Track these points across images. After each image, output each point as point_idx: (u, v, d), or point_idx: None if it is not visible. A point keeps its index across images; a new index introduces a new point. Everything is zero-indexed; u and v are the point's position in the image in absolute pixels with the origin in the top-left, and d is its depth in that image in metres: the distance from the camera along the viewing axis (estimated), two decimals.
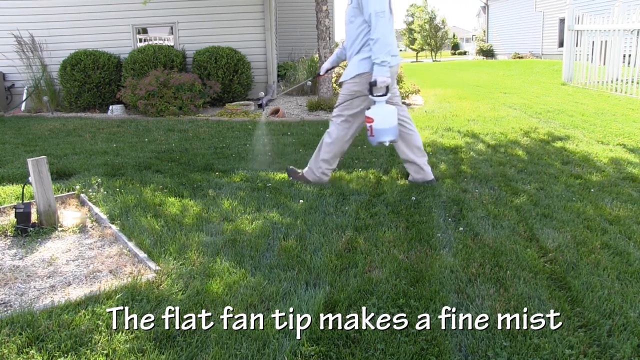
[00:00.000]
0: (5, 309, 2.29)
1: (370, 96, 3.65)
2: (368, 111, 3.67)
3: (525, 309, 2.23)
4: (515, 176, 4.32)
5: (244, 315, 2.18)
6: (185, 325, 2.11)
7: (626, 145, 5.44)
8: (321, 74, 4.44)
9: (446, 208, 3.54)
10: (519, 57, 24.63)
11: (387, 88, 3.62)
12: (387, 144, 3.70)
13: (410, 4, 47.77)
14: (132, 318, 2.15)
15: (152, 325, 2.10)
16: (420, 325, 2.11)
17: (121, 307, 2.22)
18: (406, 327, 2.11)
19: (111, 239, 3.10)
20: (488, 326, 2.11)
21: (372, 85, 3.60)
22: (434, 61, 34.02)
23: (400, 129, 3.88)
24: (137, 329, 2.08)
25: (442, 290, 2.39)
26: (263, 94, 9.57)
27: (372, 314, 2.19)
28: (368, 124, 3.67)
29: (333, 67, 4.33)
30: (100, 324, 2.12)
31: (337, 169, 4.37)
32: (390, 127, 3.64)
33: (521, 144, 5.58)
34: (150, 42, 9.73)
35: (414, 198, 3.72)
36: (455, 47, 49.25)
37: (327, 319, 2.17)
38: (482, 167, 4.60)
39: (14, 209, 3.21)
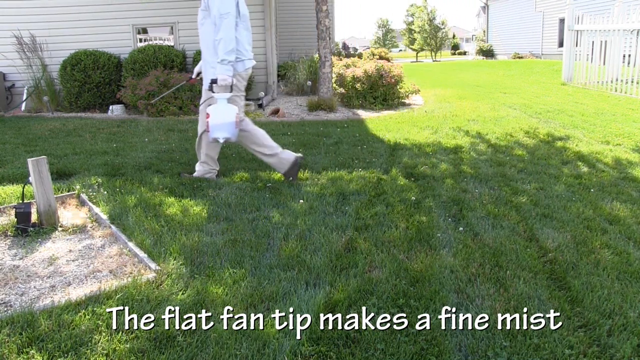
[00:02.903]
0: (5, 309, 2.29)
1: (211, 93, 3.78)
2: (208, 107, 3.80)
3: (525, 309, 2.23)
4: (515, 176, 4.32)
5: (244, 315, 2.18)
6: (185, 325, 2.11)
7: (626, 145, 5.44)
8: (192, 77, 4.56)
9: (446, 208, 3.54)
10: (519, 57, 24.62)
11: (231, 87, 3.76)
12: (221, 140, 3.80)
13: (410, 4, 47.77)
14: (132, 318, 2.15)
15: (152, 325, 2.11)
16: (420, 325, 2.11)
17: (121, 307, 2.22)
18: (406, 327, 2.11)
19: (111, 239, 3.10)
20: (488, 326, 2.11)
21: (213, 82, 3.74)
22: (434, 61, 34.01)
23: (241, 133, 4.06)
24: (137, 329, 2.08)
25: (442, 290, 2.39)
26: (263, 94, 9.57)
27: (372, 314, 2.19)
28: (207, 120, 3.79)
29: None
30: (100, 324, 2.12)
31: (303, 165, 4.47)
32: (225, 124, 3.74)
33: (521, 144, 5.58)
34: (150, 42, 9.72)
35: (413, 198, 3.72)
36: (455, 47, 49.22)
37: (327, 319, 2.17)
38: (482, 167, 4.61)
39: (14, 209, 3.21)
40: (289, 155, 4.20)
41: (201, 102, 4.13)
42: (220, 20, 3.70)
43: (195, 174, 4.30)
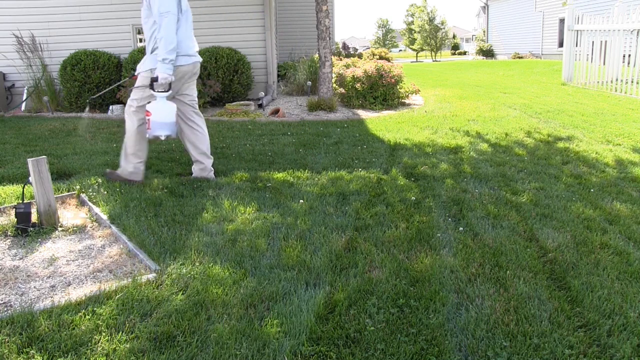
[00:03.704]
0: (5, 309, 2.29)
1: (151, 91, 3.82)
2: (148, 105, 3.85)
3: (525, 309, 2.23)
4: (515, 176, 4.33)
5: (244, 315, 2.19)
6: (185, 325, 2.11)
7: (626, 145, 5.44)
8: (135, 74, 4.56)
9: (446, 208, 3.54)
10: (519, 57, 24.63)
11: (170, 85, 3.81)
12: (162, 138, 3.85)
13: (410, 4, 47.78)
14: (132, 318, 2.15)
15: (152, 325, 2.11)
16: (420, 325, 2.11)
17: (121, 307, 2.22)
18: (406, 327, 2.11)
19: (111, 239, 3.10)
20: (488, 326, 2.11)
21: (154, 80, 3.78)
22: (433, 61, 34.01)
23: (187, 130, 4.16)
24: (137, 329, 2.08)
25: (442, 290, 2.39)
26: (263, 94, 9.58)
27: (372, 314, 2.19)
28: (147, 117, 3.84)
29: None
30: (100, 324, 2.12)
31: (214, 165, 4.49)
32: (165, 122, 3.80)
33: (521, 144, 5.58)
34: None
35: (413, 198, 3.72)
36: (455, 47, 49.23)
37: (327, 319, 2.18)
38: (482, 167, 4.61)
39: (14, 209, 3.21)
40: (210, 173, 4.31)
41: (133, 92, 4.10)
42: (160, 19, 3.75)
43: (125, 177, 4.21)
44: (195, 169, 4.32)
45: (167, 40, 3.73)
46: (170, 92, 3.84)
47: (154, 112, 3.77)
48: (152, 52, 3.99)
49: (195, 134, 4.25)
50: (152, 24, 3.89)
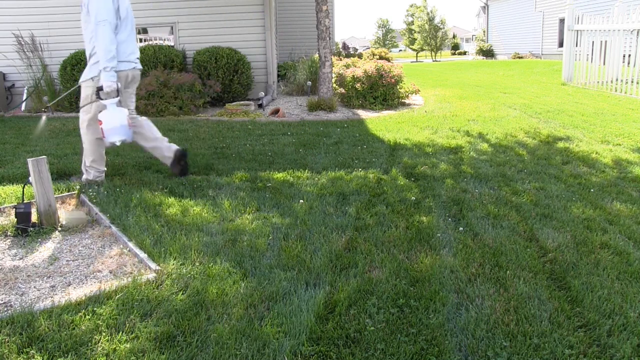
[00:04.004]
0: (5, 309, 2.29)
1: (99, 100, 3.85)
2: (100, 114, 3.86)
3: (525, 309, 2.23)
4: (515, 176, 4.33)
5: (244, 315, 2.19)
6: (185, 325, 2.11)
7: (626, 145, 5.44)
8: (79, 83, 4.61)
9: (446, 208, 3.54)
10: (519, 57, 24.63)
11: (118, 91, 3.84)
12: (117, 143, 3.85)
13: (410, 4, 47.77)
14: (132, 318, 2.15)
15: (152, 325, 2.11)
16: (420, 325, 2.11)
17: (121, 307, 2.22)
18: (406, 327, 2.11)
19: (111, 239, 3.10)
20: (488, 326, 2.11)
21: (99, 89, 3.82)
22: (433, 61, 34.01)
23: (135, 130, 4.14)
24: (137, 329, 2.08)
25: (442, 290, 2.39)
26: (263, 94, 9.58)
27: (372, 314, 2.19)
28: (100, 127, 3.86)
29: None
30: (100, 324, 2.12)
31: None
32: (117, 127, 3.81)
33: (521, 144, 5.58)
34: (150, 42, 9.73)
35: (413, 198, 3.72)
36: (455, 47, 49.22)
37: (327, 319, 2.18)
38: (482, 167, 4.61)
39: (14, 209, 3.21)
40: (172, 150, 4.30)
41: (81, 104, 4.15)
42: (96, 27, 3.80)
43: (84, 178, 4.23)
44: (157, 155, 4.33)
45: (105, 49, 3.77)
46: (119, 97, 3.86)
47: (105, 120, 3.79)
48: (90, 58, 4.03)
49: (142, 133, 4.27)
50: (91, 30, 3.94)
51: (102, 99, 3.83)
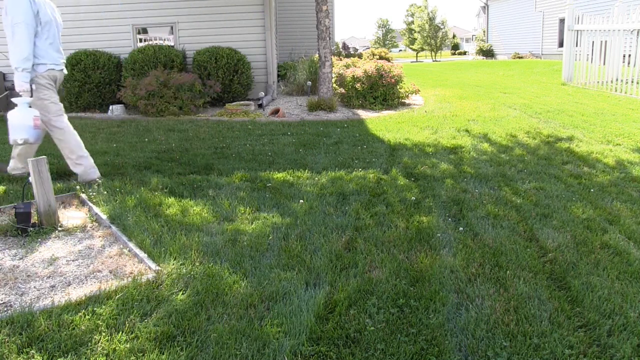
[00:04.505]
0: (5, 309, 2.29)
1: (13, 99, 3.87)
2: (9, 112, 3.87)
3: (525, 309, 2.23)
4: (515, 176, 4.33)
5: (244, 315, 2.19)
6: (185, 325, 2.11)
7: (626, 145, 5.44)
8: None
9: (446, 208, 3.54)
10: (519, 57, 24.63)
11: (32, 92, 3.88)
12: (20, 142, 3.86)
13: (411, 4, 47.77)
14: (132, 318, 2.15)
15: (152, 325, 2.11)
16: (420, 325, 2.11)
17: (121, 307, 2.22)
18: (406, 327, 2.11)
19: (111, 239, 3.10)
20: (488, 326, 2.11)
21: (13, 89, 3.86)
22: (433, 61, 34.01)
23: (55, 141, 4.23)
24: (137, 329, 2.08)
25: (442, 290, 2.39)
26: (263, 94, 9.58)
27: (372, 314, 2.19)
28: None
29: None
30: (100, 324, 2.12)
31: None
32: (20, 126, 3.81)
33: (521, 144, 5.58)
34: (150, 42, 9.73)
35: (413, 198, 3.72)
36: (455, 47, 49.21)
37: (327, 319, 2.18)
38: (483, 167, 4.61)
39: (14, 209, 3.21)
40: (93, 174, 4.28)
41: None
42: (12, 29, 3.81)
43: (9, 167, 4.38)
44: (78, 172, 4.29)
45: (20, 50, 3.80)
46: (32, 99, 3.88)
47: (10, 117, 3.81)
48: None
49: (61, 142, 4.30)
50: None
51: (15, 97, 3.89)
